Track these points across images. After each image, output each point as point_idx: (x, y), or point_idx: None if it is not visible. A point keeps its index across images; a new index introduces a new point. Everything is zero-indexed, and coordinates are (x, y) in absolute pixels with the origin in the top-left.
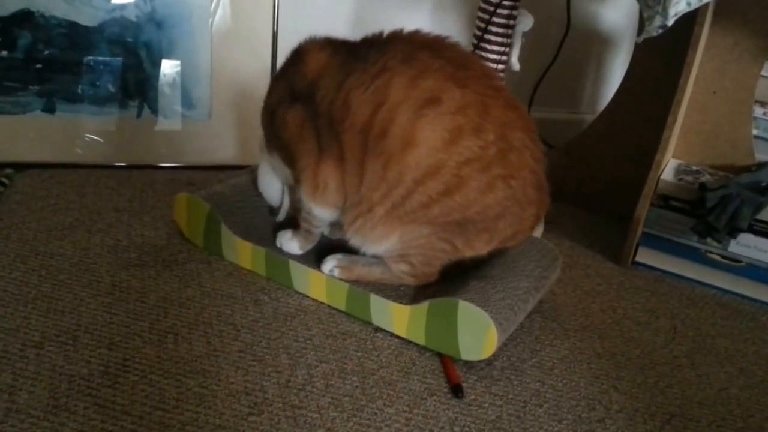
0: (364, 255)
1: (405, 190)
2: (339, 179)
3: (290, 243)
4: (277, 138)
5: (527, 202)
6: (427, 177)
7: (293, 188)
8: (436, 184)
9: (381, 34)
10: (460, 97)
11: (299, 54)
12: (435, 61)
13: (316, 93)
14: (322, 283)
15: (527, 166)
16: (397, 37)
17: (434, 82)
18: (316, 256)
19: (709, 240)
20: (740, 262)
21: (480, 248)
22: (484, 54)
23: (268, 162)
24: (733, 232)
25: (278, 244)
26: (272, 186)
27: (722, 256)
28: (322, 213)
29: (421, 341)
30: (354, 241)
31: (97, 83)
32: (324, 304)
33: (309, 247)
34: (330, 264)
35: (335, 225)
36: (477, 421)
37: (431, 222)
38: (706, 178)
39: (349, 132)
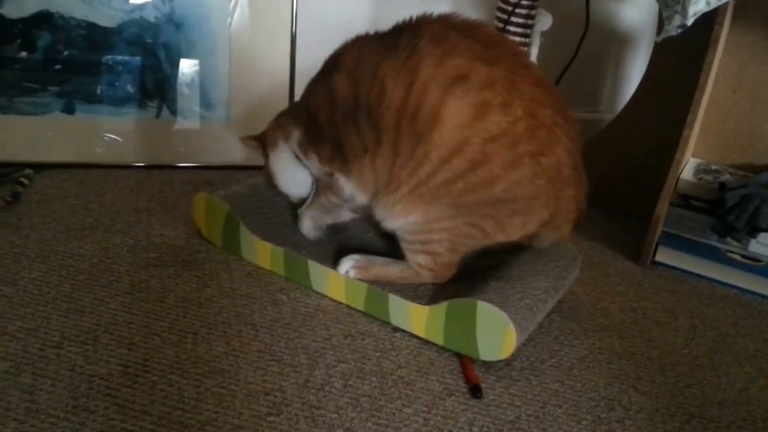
0: (383, 226)
1: (430, 168)
2: (380, 165)
3: (303, 221)
4: (320, 137)
5: (562, 182)
6: (453, 154)
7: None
8: (461, 161)
9: (410, 19)
10: (487, 74)
11: (334, 57)
12: (463, 41)
13: (355, 87)
14: (340, 283)
15: (560, 144)
16: (426, 20)
17: (462, 60)
18: (334, 257)
19: (728, 239)
20: (760, 261)
21: (512, 233)
22: None
23: (294, 157)
24: (753, 231)
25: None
26: (300, 177)
27: (742, 256)
28: (363, 199)
29: (440, 341)
30: (377, 214)
31: (116, 84)
32: (343, 304)
33: (325, 222)
34: (346, 265)
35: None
36: (496, 422)
37: (456, 202)
38: (725, 177)
39: (385, 116)
